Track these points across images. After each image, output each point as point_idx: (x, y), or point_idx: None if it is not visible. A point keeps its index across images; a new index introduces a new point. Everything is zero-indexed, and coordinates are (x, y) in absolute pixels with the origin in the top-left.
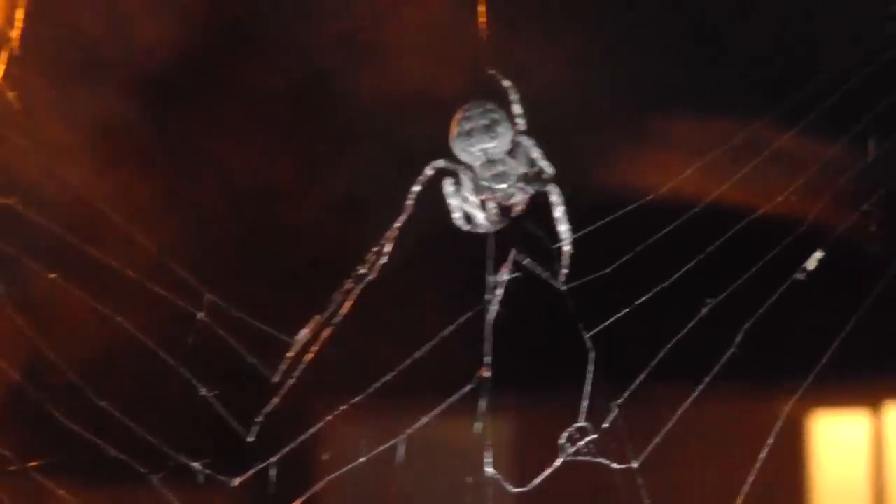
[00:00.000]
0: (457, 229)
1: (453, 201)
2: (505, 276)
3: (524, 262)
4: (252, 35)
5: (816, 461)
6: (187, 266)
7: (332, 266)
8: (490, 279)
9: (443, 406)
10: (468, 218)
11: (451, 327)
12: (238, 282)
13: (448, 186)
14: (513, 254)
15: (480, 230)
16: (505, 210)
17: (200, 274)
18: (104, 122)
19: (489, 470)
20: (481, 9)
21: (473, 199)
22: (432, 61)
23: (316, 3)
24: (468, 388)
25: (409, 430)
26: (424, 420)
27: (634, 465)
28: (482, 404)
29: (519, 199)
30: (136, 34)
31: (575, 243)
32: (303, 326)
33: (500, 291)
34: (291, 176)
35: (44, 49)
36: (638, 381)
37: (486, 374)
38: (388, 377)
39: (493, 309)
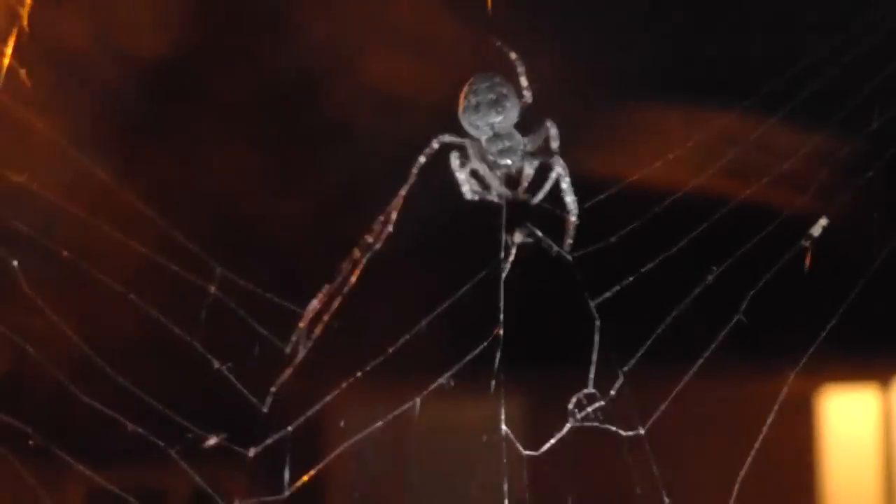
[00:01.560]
0: (464, 201)
1: (461, 175)
2: (519, 237)
3: (534, 234)
4: (251, 27)
5: (824, 437)
6: (196, 242)
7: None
8: (505, 238)
9: (459, 365)
10: (477, 189)
11: (467, 286)
12: (246, 257)
13: (455, 160)
14: (520, 231)
15: (491, 198)
16: (511, 182)
17: (209, 250)
18: (109, 105)
19: (504, 427)
20: None
21: (483, 170)
22: (425, 56)
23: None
24: (484, 344)
25: (426, 392)
26: (441, 380)
27: (641, 431)
28: (497, 362)
29: (525, 173)
30: (135, 31)
31: (583, 216)
32: (312, 297)
33: (513, 251)
34: (292, 165)
35: (50, 31)
36: (644, 348)
37: (500, 331)
38: (402, 340)
39: (507, 267)
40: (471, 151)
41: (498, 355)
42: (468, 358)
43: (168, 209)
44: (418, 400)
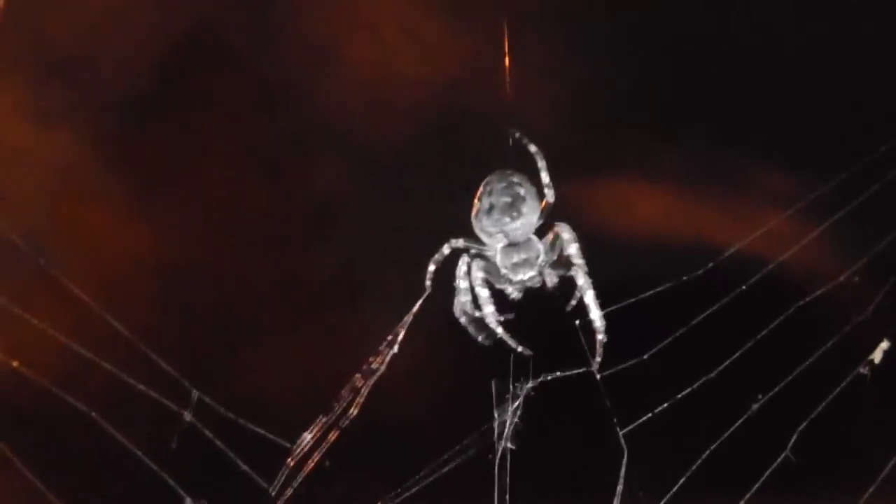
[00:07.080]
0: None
1: (462, 284)
2: (509, 411)
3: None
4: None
5: None
6: (171, 360)
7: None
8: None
9: None
10: (472, 308)
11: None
12: (228, 380)
13: (462, 266)
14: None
15: (477, 329)
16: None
17: (185, 370)
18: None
19: None
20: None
21: (484, 291)
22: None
23: (284, 14)
24: None
25: None
26: None
27: None
28: None
29: (539, 285)
30: (104, 44)
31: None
32: (305, 428)
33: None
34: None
35: (12, 50)
36: (677, 487)
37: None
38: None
39: (501, 448)
40: (474, 265)
41: None
42: None
43: (138, 320)
44: None
